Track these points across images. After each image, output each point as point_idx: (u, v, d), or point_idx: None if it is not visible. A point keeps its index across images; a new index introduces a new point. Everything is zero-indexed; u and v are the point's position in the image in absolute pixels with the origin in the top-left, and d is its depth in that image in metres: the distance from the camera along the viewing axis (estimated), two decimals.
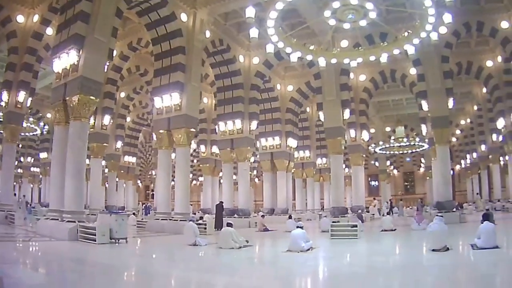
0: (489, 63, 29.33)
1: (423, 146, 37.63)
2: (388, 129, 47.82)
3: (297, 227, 12.94)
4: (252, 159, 39.47)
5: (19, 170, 45.42)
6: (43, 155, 41.00)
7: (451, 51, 24.75)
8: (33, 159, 47.14)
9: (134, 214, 29.03)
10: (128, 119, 37.78)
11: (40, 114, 39.73)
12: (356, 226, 16.76)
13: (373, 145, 40.84)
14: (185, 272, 10.01)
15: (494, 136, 36.41)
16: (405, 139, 37.92)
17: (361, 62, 18.30)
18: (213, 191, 35.41)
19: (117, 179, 35.76)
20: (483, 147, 40.16)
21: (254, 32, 15.43)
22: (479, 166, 43.38)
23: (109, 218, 14.88)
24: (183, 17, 21.85)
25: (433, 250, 11.20)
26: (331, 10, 14.36)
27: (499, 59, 28.44)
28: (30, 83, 23.82)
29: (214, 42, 25.42)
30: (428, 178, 47.15)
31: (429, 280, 8.42)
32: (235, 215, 26.44)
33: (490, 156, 38.32)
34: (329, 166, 40.61)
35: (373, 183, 62.17)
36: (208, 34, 23.07)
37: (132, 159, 39.22)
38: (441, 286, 7.91)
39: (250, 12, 14.24)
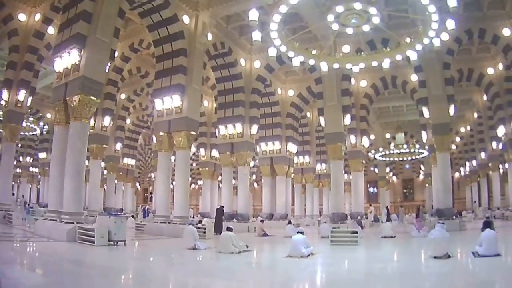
0: (490, 71, 29.30)
1: (423, 153, 37.59)
2: (388, 135, 47.82)
3: (298, 232, 12.84)
4: (251, 164, 39.40)
5: (18, 170, 45.23)
6: (42, 155, 40.83)
7: (452, 58, 24.72)
8: (32, 159, 47.02)
9: (132, 216, 28.88)
10: (128, 121, 37.69)
11: (40, 114, 39.63)
12: (356, 232, 16.66)
13: (372, 151, 40.76)
14: (183, 276, 9.88)
15: (494, 144, 36.31)
16: (405, 146, 37.88)
17: (363, 67, 18.27)
18: (212, 195, 35.29)
19: (116, 181, 35.66)
20: (482, 155, 40.05)
21: (257, 35, 15.39)
22: (479, 174, 43.24)
23: (108, 220, 14.77)
24: (185, 19, 21.84)
25: (435, 257, 11.10)
26: (335, 15, 14.30)
27: (500, 66, 28.43)
28: (31, 82, 23.76)
29: (215, 45, 25.37)
30: (427, 185, 47.10)
31: None
32: (234, 220, 26.30)
33: (490, 164, 38.24)
34: (328, 172, 40.82)
35: (372, 189, 62.02)
36: (210, 36, 23.09)
37: (132, 161, 39.18)
38: None
39: (254, 15, 14.19)
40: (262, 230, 22.11)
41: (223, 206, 25.07)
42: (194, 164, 50.99)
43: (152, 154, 43.52)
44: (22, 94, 23.23)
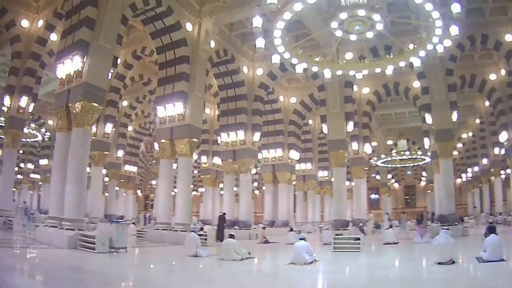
0: (492, 76, 29.27)
1: (425, 159, 37.50)
2: (390, 142, 47.77)
3: (300, 239, 12.73)
4: (253, 171, 39.32)
5: (19, 176, 45.16)
6: (43, 161, 40.75)
7: (455, 64, 24.70)
8: (33, 165, 46.92)
9: (134, 223, 28.79)
10: (130, 128, 37.76)
11: (42, 121, 39.66)
12: (359, 239, 16.54)
13: (375, 158, 40.68)
14: (185, 283, 9.81)
15: (496, 150, 36.24)
16: (407, 153, 37.80)
17: (366, 74, 18.24)
18: (213, 202, 35.20)
19: (117, 188, 35.63)
20: (484, 161, 40.00)
21: (260, 42, 15.33)
22: (481, 179, 43.19)
23: (109, 227, 14.70)
24: (188, 26, 21.88)
25: (439, 263, 11.01)
26: (338, 21, 14.26)
27: (503, 72, 28.37)
28: (33, 88, 23.71)
29: (218, 52, 25.37)
30: (429, 191, 46.84)
31: None
32: (236, 227, 26.18)
33: (492, 170, 38.15)
34: (330, 179, 40.89)
35: (373, 196, 61.80)
36: (212, 44, 23.06)
37: (133, 168, 39.22)
38: None
39: (257, 21, 14.12)
40: (264, 237, 21.99)
41: (225, 213, 24.99)
42: (195, 171, 50.96)
43: (154, 161, 43.51)
44: (24, 101, 23.19)
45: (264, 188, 37.65)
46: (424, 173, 52.37)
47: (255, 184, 56.30)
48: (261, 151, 32.93)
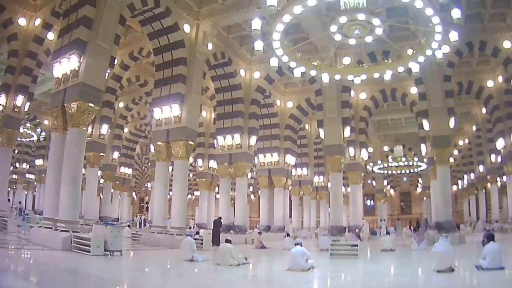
0: (489, 83, 29.33)
1: (421, 166, 37.50)
2: (386, 148, 47.79)
3: (296, 244, 12.54)
4: (249, 175, 39.26)
5: (14, 176, 44.94)
6: (38, 162, 40.50)
7: (452, 70, 24.69)
8: (28, 165, 46.66)
9: (129, 226, 28.58)
10: (126, 130, 37.58)
11: (38, 120, 39.37)
12: (356, 245, 16.43)
13: (371, 164, 40.66)
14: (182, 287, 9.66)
15: (492, 157, 36.21)
16: (403, 159, 37.78)
17: (365, 79, 18.11)
18: (209, 206, 34.96)
19: (112, 190, 35.41)
20: (481, 168, 39.98)
21: (259, 45, 15.17)
22: (477, 186, 43.13)
23: (104, 230, 14.46)
24: (186, 28, 21.76)
25: (438, 270, 10.89)
26: (338, 25, 14.17)
27: (500, 79, 28.48)
28: (29, 87, 23.56)
29: (216, 55, 25.22)
30: (425, 198, 46.88)
31: None
32: (232, 231, 26.03)
33: (488, 177, 38.17)
34: (326, 184, 40.82)
35: (368, 202, 61.75)
36: (210, 46, 22.96)
37: (128, 171, 39.03)
38: None
39: (256, 24, 14.03)
40: (260, 242, 21.85)
41: (220, 217, 24.83)
42: (191, 175, 50.77)
43: (149, 163, 43.26)
44: (20, 99, 23.03)
45: (259, 192, 37.49)
46: (420, 180, 52.43)
47: (251, 188, 56.16)
48: (257, 155, 32.80)
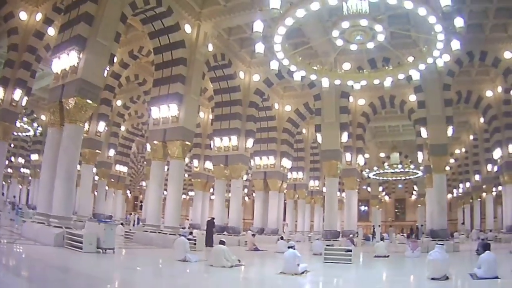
0: (489, 93, 29.40)
1: (417, 173, 37.54)
2: (382, 155, 47.86)
3: (289, 247, 12.48)
4: (244, 177, 39.23)
5: (9, 170, 44.75)
6: (34, 156, 40.40)
7: (452, 79, 24.72)
8: (24, 160, 46.41)
9: (122, 224, 28.46)
10: (123, 128, 37.47)
11: (35, 115, 39.25)
12: (350, 250, 16.37)
13: (367, 170, 40.66)
14: None
15: (489, 167, 36.33)
16: (399, 166, 37.81)
17: (365, 85, 18.13)
18: (203, 206, 34.90)
19: (106, 188, 35.29)
20: (477, 177, 40.09)
21: (260, 47, 15.15)
22: (472, 195, 43.27)
23: (98, 227, 14.40)
24: (187, 28, 21.73)
25: (432, 278, 10.86)
26: (340, 30, 14.15)
27: (499, 89, 28.53)
28: (27, 82, 23.48)
29: (215, 56, 25.17)
30: (419, 205, 46.96)
31: None
32: (225, 233, 25.93)
33: (484, 186, 38.27)
34: (321, 188, 40.81)
35: (363, 208, 61.67)
36: (210, 47, 22.99)
37: (124, 169, 38.99)
38: None
39: (258, 26, 13.98)
40: (253, 244, 21.78)
41: (213, 218, 24.74)
42: (186, 175, 50.67)
43: (145, 162, 43.18)
44: (18, 94, 22.94)
45: (254, 195, 37.42)
46: (415, 187, 52.52)
47: (246, 190, 56.11)
48: (253, 158, 32.77)
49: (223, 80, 27.70)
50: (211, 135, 29.65)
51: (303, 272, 11.86)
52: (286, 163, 33.32)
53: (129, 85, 32.21)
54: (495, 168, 33.33)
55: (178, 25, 21.26)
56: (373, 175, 41.45)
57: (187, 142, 21.09)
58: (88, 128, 26.09)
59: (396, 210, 63.39)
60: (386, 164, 40.33)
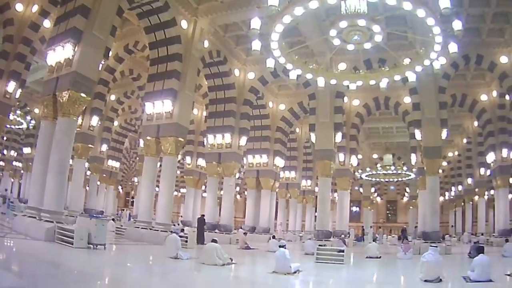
0: (483, 97, 29.55)
1: (410, 175, 37.64)
2: (375, 156, 47.97)
3: (280, 246, 12.39)
4: (236, 175, 39.20)
5: (1, 163, 44.43)
6: (26, 150, 40.14)
7: (448, 82, 24.76)
8: (16, 153, 45.93)
9: (113, 219, 28.28)
10: (116, 123, 37.26)
11: (28, 108, 38.85)
12: (343, 251, 16.33)
13: (359, 170, 40.71)
14: (164, 286, 9.48)
15: (482, 170, 36.48)
16: (392, 167, 37.88)
17: (360, 85, 18.10)
18: (195, 203, 34.78)
19: (98, 183, 35.06)
20: (469, 181, 40.25)
21: (256, 45, 15.03)
22: (464, 199, 43.48)
23: (89, 222, 14.23)
24: (184, 24, 21.62)
25: (426, 280, 10.86)
26: (337, 30, 14.08)
27: (494, 93, 28.70)
28: (22, 74, 23.26)
29: (211, 53, 25.01)
30: (411, 207, 47.10)
31: None
32: (217, 230, 25.86)
33: (476, 190, 38.45)
34: (313, 188, 40.81)
35: (354, 209, 61.75)
36: (206, 44, 22.85)
37: (116, 164, 38.83)
38: None
39: (255, 23, 13.86)
40: (245, 242, 21.70)
41: (203, 215, 24.57)
42: (178, 172, 50.49)
43: (137, 158, 42.94)
44: (11, 86, 22.70)
45: (246, 193, 37.34)
46: (407, 189, 52.66)
47: (238, 188, 56.03)
48: (246, 156, 32.73)
49: (218, 77, 27.60)
50: (205, 132, 29.54)
51: (295, 272, 11.80)
52: (279, 162, 33.29)
53: (124, 80, 31.98)
54: (488, 172, 33.50)
55: (175, 20, 21.13)
56: (366, 176, 41.56)
57: (180, 139, 20.99)
58: (81, 122, 25.88)
59: (387, 212, 63.57)
60: (378, 165, 40.47)
